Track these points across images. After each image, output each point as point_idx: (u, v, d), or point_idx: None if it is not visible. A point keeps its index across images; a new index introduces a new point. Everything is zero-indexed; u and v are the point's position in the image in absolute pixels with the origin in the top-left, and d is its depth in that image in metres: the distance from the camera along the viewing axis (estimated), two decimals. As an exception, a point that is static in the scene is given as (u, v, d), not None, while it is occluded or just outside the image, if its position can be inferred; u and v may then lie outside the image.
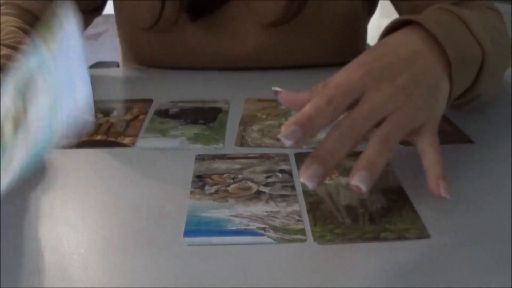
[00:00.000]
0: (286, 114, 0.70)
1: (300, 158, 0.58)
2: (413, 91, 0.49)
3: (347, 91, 0.48)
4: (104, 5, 0.90)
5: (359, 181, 0.44)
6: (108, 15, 0.95)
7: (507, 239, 0.45)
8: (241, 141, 0.63)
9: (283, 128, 0.46)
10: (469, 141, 0.62)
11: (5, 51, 0.64)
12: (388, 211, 0.49)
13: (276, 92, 0.56)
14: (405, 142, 0.59)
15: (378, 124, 0.47)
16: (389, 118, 0.47)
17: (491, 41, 0.60)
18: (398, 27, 0.58)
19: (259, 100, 0.75)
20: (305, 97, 0.51)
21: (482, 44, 0.58)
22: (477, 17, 0.61)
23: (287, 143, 0.46)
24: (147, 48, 0.90)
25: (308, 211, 0.49)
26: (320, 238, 0.45)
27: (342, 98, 0.48)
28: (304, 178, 0.45)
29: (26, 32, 0.74)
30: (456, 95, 0.57)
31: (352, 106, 0.48)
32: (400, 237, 0.45)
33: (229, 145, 0.62)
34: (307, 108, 0.47)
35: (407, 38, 0.55)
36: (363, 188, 0.44)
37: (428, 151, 0.49)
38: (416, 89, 0.50)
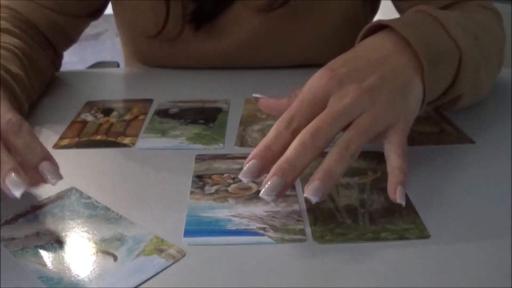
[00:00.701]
0: (286, 114, 0.70)
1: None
2: (380, 93, 0.50)
3: (310, 104, 0.49)
4: (102, 10, 0.89)
5: (311, 192, 0.45)
6: (108, 15, 0.95)
7: (507, 239, 0.45)
8: (241, 141, 0.63)
9: (244, 164, 0.48)
10: (470, 141, 0.62)
11: None
12: (388, 211, 0.49)
13: (256, 99, 0.57)
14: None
15: (345, 128, 0.48)
16: (353, 124, 0.48)
17: (473, 40, 0.60)
18: (373, 31, 0.59)
19: (259, 100, 0.74)
20: (284, 103, 0.53)
21: (459, 43, 0.58)
22: (457, 18, 0.61)
23: (246, 180, 0.47)
24: (149, 53, 0.90)
25: (308, 210, 0.49)
26: (320, 238, 0.45)
27: (305, 113, 0.48)
28: (264, 192, 0.45)
29: (13, 34, 0.74)
30: (433, 95, 0.57)
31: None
32: (400, 237, 0.45)
33: (229, 145, 0.62)
34: (267, 136, 0.48)
35: (379, 42, 0.56)
36: (314, 199, 0.45)
37: (391, 156, 0.49)
38: (383, 90, 0.50)
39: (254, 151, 0.48)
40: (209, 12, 0.84)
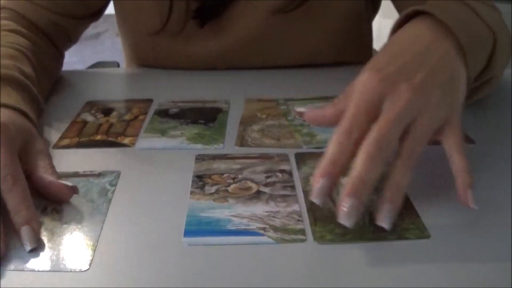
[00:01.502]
0: (286, 114, 0.70)
1: (300, 157, 0.58)
2: (431, 88, 0.48)
3: (367, 110, 0.47)
4: (103, 11, 0.89)
5: (388, 217, 0.44)
6: (108, 15, 0.95)
7: (507, 239, 0.45)
8: (241, 141, 0.63)
9: (313, 184, 0.45)
10: (470, 141, 0.62)
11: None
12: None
13: (301, 113, 0.54)
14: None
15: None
16: (411, 131, 0.46)
17: (498, 24, 0.60)
18: (406, 20, 0.57)
19: (259, 100, 0.74)
20: (330, 113, 0.51)
21: (492, 26, 0.58)
22: (481, 4, 0.61)
23: (318, 201, 0.45)
24: (150, 53, 0.90)
25: (308, 210, 0.49)
26: (320, 238, 0.45)
27: (363, 120, 0.46)
28: (343, 215, 0.43)
29: (21, 34, 0.74)
30: (472, 78, 0.56)
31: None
32: (400, 237, 0.45)
33: (229, 145, 0.62)
34: (330, 151, 0.46)
35: (417, 31, 0.55)
36: (388, 224, 0.44)
37: (455, 157, 0.48)
38: (434, 86, 0.49)
39: (321, 169, 0.45)
40: (213, 9, 0.84)
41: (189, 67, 0.88)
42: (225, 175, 0.55)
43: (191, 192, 0.52)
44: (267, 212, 0.49)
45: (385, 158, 0.44)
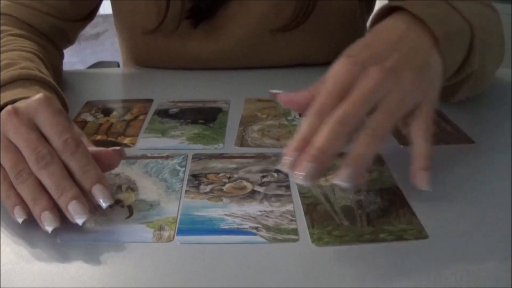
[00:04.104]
0: (286, 114, 0.70)
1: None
2: (403, 72, 0.49)
3: (337, 92, 0.48)
4: (96, 10, 0.89)
5: (342, 178, 0.44)
6: (108, 15, 0.95)
7: (506, 239, 0.45)
8: (241, 141, 0.63)
9: (283, 156, 0.46)
10: (469, 141, 0.62)
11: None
12: (385, 212, 0.48)
13: (274, 95, 0.56)
14: (404, 143, 0.59)
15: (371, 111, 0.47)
16: (380, 106, 0.47)
17: (480, 21, 0.60)
18: (384, 16, 0.58)
19: (259, 100, 0.74)
20: (304, 96, 0.52)
21: (469, 20, 0.58)
22: (464, 2, 0.61)
23: (286, 171, 0.46)
24: (145, 52, 0.90)
25: (305, 213, 0.48)
26: (318, 240, 0.45)
27: (333, 102, 0.47)
28: (297, 176, 0.45)
29: (28, 38, 0.74)
30: (450, 70, 0.57)
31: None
32: (398, 238, 0.45)
33: (229, 145, 0.62)
34: (301, 130, 0.47)
35: (393, 23, 0.56)
36: (346, 185, 0.44)
37: (417, 140, 0.49)
38: (406, 69, 0.50)
39: (291, 145, 0.46)
40: (206, 10, 0.84)
41: (184, 66, 0.89)
42: (220, 174, 0.55)
43: (186, 191, 0.52)
44: (260, 211, 0.48)
45: (346, 133, 0.46)
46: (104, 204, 0.47)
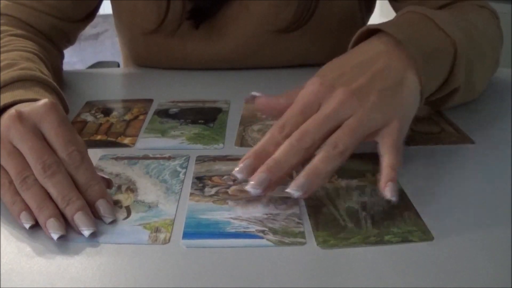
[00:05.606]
0: (286, 114, 0.70)
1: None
2: (369, 93, 0.51)
3: (302, 110, 0.51)
4: (97, 10, 0.89)
5: (294, 187, 0.47)
6: (108, 15, 0.95)
7: (507, 239, 0.45)
8: (241, 141, 0.63)
9: (239, 163, 0.50)
10: (470, 141, 0.62)
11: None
12: (390, 213, 0.48)
13: (253, 98, 0.58)
14: (407, 142, 0.59)
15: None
16: (342, 125, 0.49)
17: (466, 36, 0.60)
18: (365, 37, 0.59)
19: (259, 100, 0.74)
20: (279, 104, 0.55)
21: (453, 38, 0.58)
22: (450, 16, 0.62)
23: (239, 176, 0.49)
24: (145, 53, 0.90)
25: (310, 215, 0.49)
26: (324, 243, 0.45)
27: (297, 119, 0.50)
28: (250, 185, 0.47)
29: (28, 38, 0.74)
30: (430, 89, 0.58)
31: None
32: (404, 240, 0.45)
33: (229, 145, 0.62)
34: (262, 140, 0.51)
35: (369, 45, 0.57)
36: (295, 194, 0.47)
37: (384, 154, 0.50)
38: (372, 91, 0.51)
39: (249, 152, 0.50)
40: (206, 11, 0.84)
41: (185, 67, 0.89)
42: (225, 177, 0.55)
43: (191, 194, 0.52)
44: (266, 214, 0.48)
45: (305, 150, 0.48)
46: (107, 220, 0.47)
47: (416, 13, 0.61)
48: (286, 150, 0.48)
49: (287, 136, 0.49)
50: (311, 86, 0.52)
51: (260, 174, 0.47)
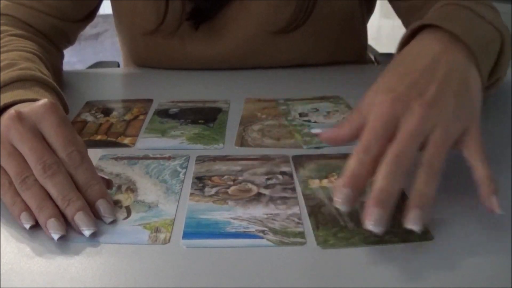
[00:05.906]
0: (286, 114, 0.70)
1: (298, 160, 0.58)
2: (444, 100, 0.49)
3: (383, 131, 0.48)
4: (97, 10, 0.89)
5: (413, 221, 0.44)
6: (108, 15, 0.95)
7: (507, 239, 0.45)
8: (241, 141, 0.63)
9: (336, 193, 0.45)
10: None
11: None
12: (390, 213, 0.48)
13: (316, 135, 0.55)
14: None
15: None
16: (429, 141, 0.47)
17: (502, 25, 0.61)
18: (413, 34, 0.58)
19: (259, 100, 0.74)
20: (345, 132, 0.51)
21: (498, 27, 0.59)
22: (482, 6, 0.62)
23: (344, 208, 0.45)
24: (145, 53, 0.90)
25: (309, 215, 0.49)
26: (324, 243, 0.45)
27: (380, 140, 0.47)
28: (371, 224, 0.44)
29: (28, 38, 0.74)
30: (485, 82, 0.56)
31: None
32: (404, 240, 0.45)
33: (229, 145, 0.62)
34: (350, 166, 0.47)
35: (424, 44, 0.55)
36: (417, 228, 0.44)
37: (477, 165, 0.48)
38: (446, 97, 0.49)
39: (343, 181, 0.46)
40: (206, 12, 0.84)
41: (185, 67, 0.89)
42: (225, 176, 0.55)
43: (191, 194, 0.52)
44: (266, 214, 0.48)
45: (405, 172, 0.45)
46: (107, 220, 0.47)
47: (455, 6, 0.60)
48: (389, 178, 0.45)
49: (375, 158, 0.46)
50: (383, 104, 0.49)
51: (376, 210, 0.44)
